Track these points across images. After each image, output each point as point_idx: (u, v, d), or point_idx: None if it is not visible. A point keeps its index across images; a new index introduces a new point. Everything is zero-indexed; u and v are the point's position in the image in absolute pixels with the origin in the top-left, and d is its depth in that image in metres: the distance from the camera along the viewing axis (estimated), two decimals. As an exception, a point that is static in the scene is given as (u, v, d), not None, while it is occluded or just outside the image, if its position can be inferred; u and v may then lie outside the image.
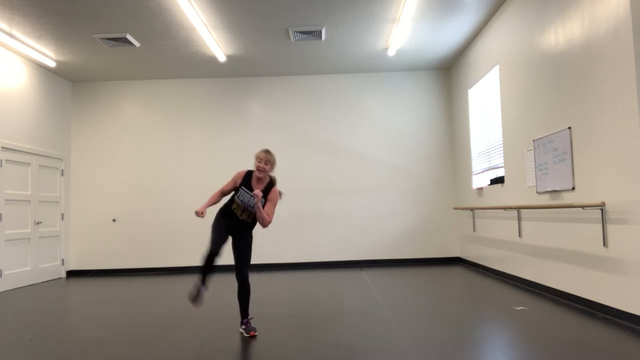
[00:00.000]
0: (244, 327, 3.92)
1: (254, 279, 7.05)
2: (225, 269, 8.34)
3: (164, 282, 7.12)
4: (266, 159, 3.86)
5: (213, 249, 3.74)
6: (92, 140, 8.63)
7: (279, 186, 3.89)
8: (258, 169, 3.88)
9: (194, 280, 3.53)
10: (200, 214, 3.76)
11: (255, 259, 8.27)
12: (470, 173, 7.67)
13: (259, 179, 3.92)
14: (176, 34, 6.55)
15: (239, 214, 3.92)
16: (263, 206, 3.87)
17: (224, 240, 3.83)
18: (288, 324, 4.20)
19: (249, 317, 3.98)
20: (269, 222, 3.85)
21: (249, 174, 3.98)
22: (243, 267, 3.91)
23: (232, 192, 4.01)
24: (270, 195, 3.92)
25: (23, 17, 5.89)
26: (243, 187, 3.89)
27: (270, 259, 8.37)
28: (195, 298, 3.85)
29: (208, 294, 5.91)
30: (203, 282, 3.85)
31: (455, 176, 8.48)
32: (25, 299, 6.05)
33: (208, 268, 3.77)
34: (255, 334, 3.86)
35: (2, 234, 6.76)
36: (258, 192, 3.69)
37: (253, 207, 3.85)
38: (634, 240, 3.71)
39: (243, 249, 3.92)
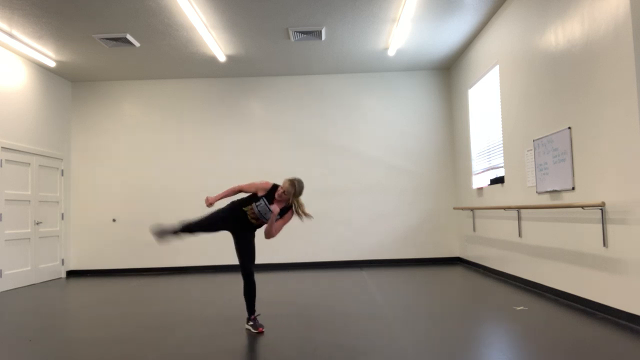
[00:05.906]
0: (251, 323, 3.96)
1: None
2: (225, 269, 8.34)
3: (163, 282, 7.12)
4: (284, 189, 3.94)
5: (193, 230, 3.94)
6: (92, 140, 8.63)
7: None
8: (279, 194, 3.97)
9: (171, 225, 3.88)
10: (209, 204, 3.87)
11: (256, 259, 8.26)
12: (470, 173, 7.67)
13: (281, 198, 4.00)
14: (176, 34, 6.55)
15: (250, 217, 4.01)
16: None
17: (211, 232, 4.05)
18: (288, 324, 4.20)
19: (256, 313, 4.03)
20: (273, 237, 4.02)
21: (274, 187, 4.05)
22: (248, 264, 4.01)
23: (249, 195, 4.08)
24: (285, 215, 4.04)
25: (23, 17, 5.89)
26: (264, 199, 3.98)
27: (271, 259, 8.37)
28: (160, 236, 4.00)
29: (208, 294, 5.92)
30: (175, 234, 3.99)
31: (455, 176, 8.47)
32: (25, 299, 6.05)
33: (180, 232, 3.96)
34: (263, 330, 3.92)
35: (2, 234, 6.76)
36: (276, 208, 3.89)
37: (266, 219, 3.99)
38: (634, 240, 3.71)
39: (247, 247, 4.02)
